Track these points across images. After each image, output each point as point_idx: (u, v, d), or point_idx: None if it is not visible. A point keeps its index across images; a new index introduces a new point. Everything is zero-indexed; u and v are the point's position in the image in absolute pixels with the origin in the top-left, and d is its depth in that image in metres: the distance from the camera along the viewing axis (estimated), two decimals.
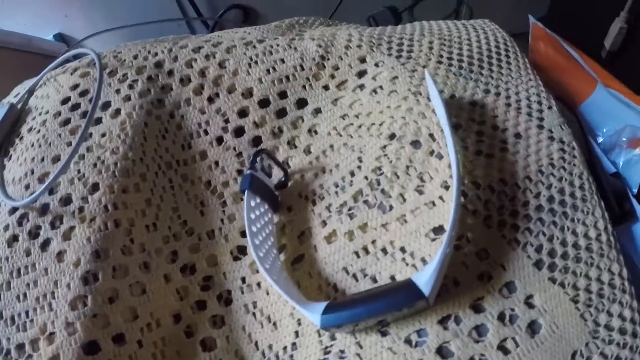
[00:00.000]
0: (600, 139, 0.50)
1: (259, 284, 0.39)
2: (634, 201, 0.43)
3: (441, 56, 0.46)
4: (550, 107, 0.43)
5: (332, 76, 0.46)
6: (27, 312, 0.36)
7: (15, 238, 0.39)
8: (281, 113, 0.45)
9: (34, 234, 0.39)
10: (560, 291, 0.34)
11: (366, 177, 0.39)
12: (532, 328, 0.33)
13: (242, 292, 0.39)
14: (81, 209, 0.39)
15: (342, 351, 0.33)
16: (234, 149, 0.44)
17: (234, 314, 0.38)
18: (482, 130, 0.41)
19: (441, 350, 0.32)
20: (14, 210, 0.41)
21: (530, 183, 0.38)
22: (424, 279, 0.30)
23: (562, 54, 0.56)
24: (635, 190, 0.45)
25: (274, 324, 0.36)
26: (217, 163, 0.44)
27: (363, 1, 1.02)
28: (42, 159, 0.43)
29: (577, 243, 0.36)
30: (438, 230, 0.35)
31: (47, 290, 0.37)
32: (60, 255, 0.38)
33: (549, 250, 0.35)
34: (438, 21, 0.53)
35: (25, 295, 0.37)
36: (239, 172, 0.43)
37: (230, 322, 0.38)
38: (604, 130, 0.49)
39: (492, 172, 0.38)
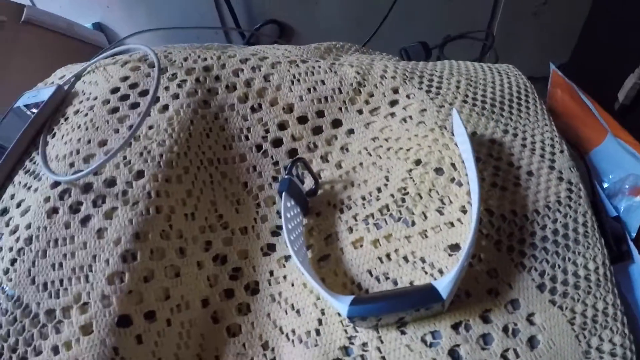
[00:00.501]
0: (605, 185, 0.53)
1: (285, 277, 0.41)
2: (631, 244, 0.47)
3: (467, 96, 0.50)
4: (562, 151, 0.47)
5: (367, 102, 0.50)
6: (61, 281, 0.38)
7: (55, 210, 0.41)
8: (317, 130, 0.49)
9: (74, 209, 0.41)
10: (559, 313, 0.37)
11: (392, 195, 0.42)
12: (532, 343, 0.35)
13: (269, 284, 0.42)
14: (125, 192, 0.42)
15: (364, 344, 0.36)
16: (272, 157, 0.48)
17: (259, 302, 0.41)
18: (499, 165, 0.44)
19: (452, 353, 0.35)
20: (56, 184, 0.43)
21: (538, 216, 0.42)
22: (443, 284, 0.33)
23: (578, 102, 0.60)
24: (633, 235, 0.49)
25: (297, 311, 0.39)
26: (254, 167, 0.47)
27: (396, 33, 1.06)
28: (89, 141, 0.46)
29: (577, 272, 0.39)
30: (454, 247, 0.39)
31: (84, 263, 0.39)
32: (100, 232, 0.40)
33: (551, 276, 0.39)
34: (466, 62, 0.58)
35: (61, 264, 0.39)
36: (275, 178, 0.47)
37: (255, 310, 0.41)
38: (610, 176, 0.53)
39: (504, 203, 0.42)
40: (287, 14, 1.17)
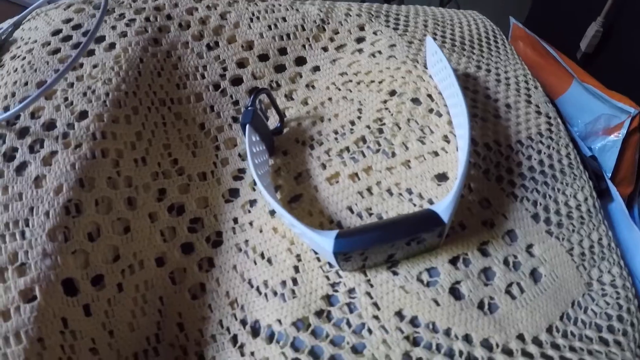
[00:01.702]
0: (575, 129, 0.48)
1: (251, 223, 0.33)
2: (609, 183, 0.42)
3: (435, 34, 0.44)
4: (536, 87, 0.41)
5: (332, 39, 0.42)
6: None
7: None
8: (280, 68, 0.41)
9: (9, 156, 0.32)
10: (557, 243, 0.31)
11: (368, 126, 0.35)
12: (534, 276, 0.29)
13: (234, 232, 0.33)
14: (65, 135, 0.33)
15: (351, 290, 0.28)
16: (231, 96, 0.39)
17: (224, 255, 0.33)
18: (476, 97, 0.38)
19: (453, 292, 0.28)
20: None
21: (522, 147, 0.36)
22: (443, 206, 0.26)
23: (540, 53, 0.55)
24: (609, 174, 0.44)
25: (269, 260, 0.31)
26: (212, 107, 0.39)
27: None
28: (26, 83, 0.37)
29: (567, 203, 0.34)
30: (442, 177, 0.31)
31: (19, 217, 0.29)
32: (37, 181, 0.31)
33: (544, 206, 0.33)
34: (431, 7, 0.52)
35: None
36: (235, 119, 0.38)
37: (220, 264, 0.32)
38: (579, 121, 0.48)
39: (487, 133, 0.36)
40: None
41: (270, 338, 0.28)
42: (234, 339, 0.30)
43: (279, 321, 0.29)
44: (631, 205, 0.43)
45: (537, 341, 0.27)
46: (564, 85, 0.51)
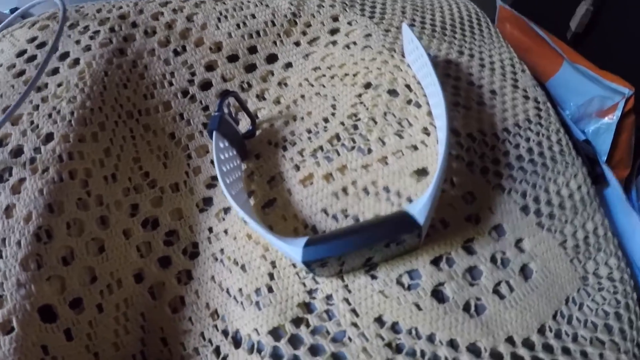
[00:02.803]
0: (567, 112, 0.46)
1: (225, 231, 0.32)
2: (604, 167, 0.40)
3: (414, 20, 0.42)
4: (523, 70, 0.39)
5: (304, 33, 0.40)
6: None
7: None
8: (250, 68, 0.39)
9: None
10: (549, 236, 0.29)
11: (342, 123, 0.33)
12: (525, 272, 0.27)
13: (210, 242, 0.32)
14: (32, 160, 0.32)
15: (329, 296, 0.27)
16: (201, 102, 0.37)
17: (201, 266, 0.31)
18: (458, 85, 0.36)
19: (437, 294, 0.26)
20: None
21: (509, 135, 0.34)
22: (418, 207, 0.24)
23: (528, 35, 0.52)
24: (604, 158, 0.42)
25: (242, 267, 0.29)
26: (182, 115, 0.37)
27: None
28: None
29: (559, 192, 0.32)
30: (421, 172, 0.30)
31: None
32: (8, 211, 0.30)
33: (534, 197, 0.31)
34: None
35: None
36: (205, 125, 0.37)
37: (198, 275, 0.31)
38: (571, 104, 0.46)
39: (471, 122, 0.34)
40: None
41: (251, 348, 0.27)
42: (217, 351, 0.28)
43: (256, 330, 0.27)
44: (629, 188, 0.41)
45: (528, 343, 0.25)
46: (554, 67, 0.49)
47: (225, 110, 0.34)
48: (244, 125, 0.37)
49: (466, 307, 0.26)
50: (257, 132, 0.36)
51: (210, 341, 0.29)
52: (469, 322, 0.26)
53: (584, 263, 0.29)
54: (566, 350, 0.25)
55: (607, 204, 0.38)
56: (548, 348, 0.25)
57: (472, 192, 0.30)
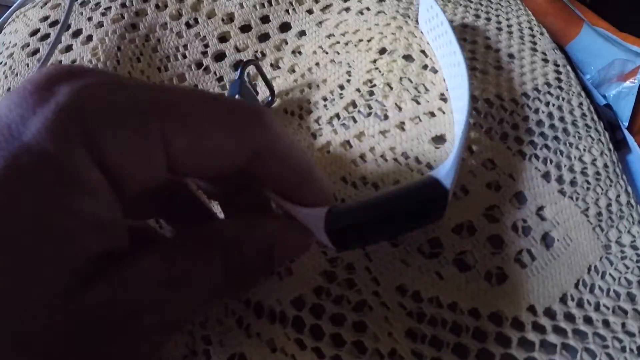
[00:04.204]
0: (587, 77, 0.45)
1: None
2: (626, 132, 0.38)
3: None
4: (542, 33, 0.38)
5: (316, 0, 0.39)
6: None
7: None
8: (264, 37, 0.38)
9: None
10: (571, 204, 0.28)
11: (357, 90, 0.32)
12: (546, 241, 0.27)
13: None
14: None
15: (349, 265, 0.26)
16: (215, 73, 0.37)
17: None
18: (475, 49, 0.35)
19: (458, 263, 0.26)
20: None
21: (528, 100, 0.33)
22: (443, 172, 0.21)
23: None
24: (626, 123, 0.40)
25: None
26: (196, 87, 0.36)
27: None
28: (9, 89, 0.37)
29: (582, 158, 0.30)
30: (439, 139, 0.29)
31: None
32: None
33: (556, 163, 0.30)
34: None
35: None
36: None
37: None
38: (591, 68, 0.44)
39: (488, 87, 0.32)
40: None
41: (273, 318, 0.26)
42: (239, 321, 0.28)
43: (278, 301, 0.26)
44: None
45: (549, 312, 0.25)
46: (574, 30, 0.47)
47: (245, 79, 0.33)
48: (260, 96, 0.36)
49: (488, 276, 0.25)
50: (275, 103, 0.35)
51: (233, 311, 0.29)
52: (490, 291, 0.25)
53: (606, 231, 0.28)
54: (588, 320, 0.25)
55: (629, 170, 0.37)
56: (570, 317, 0.25)
57: (491, 159, 0.29)
